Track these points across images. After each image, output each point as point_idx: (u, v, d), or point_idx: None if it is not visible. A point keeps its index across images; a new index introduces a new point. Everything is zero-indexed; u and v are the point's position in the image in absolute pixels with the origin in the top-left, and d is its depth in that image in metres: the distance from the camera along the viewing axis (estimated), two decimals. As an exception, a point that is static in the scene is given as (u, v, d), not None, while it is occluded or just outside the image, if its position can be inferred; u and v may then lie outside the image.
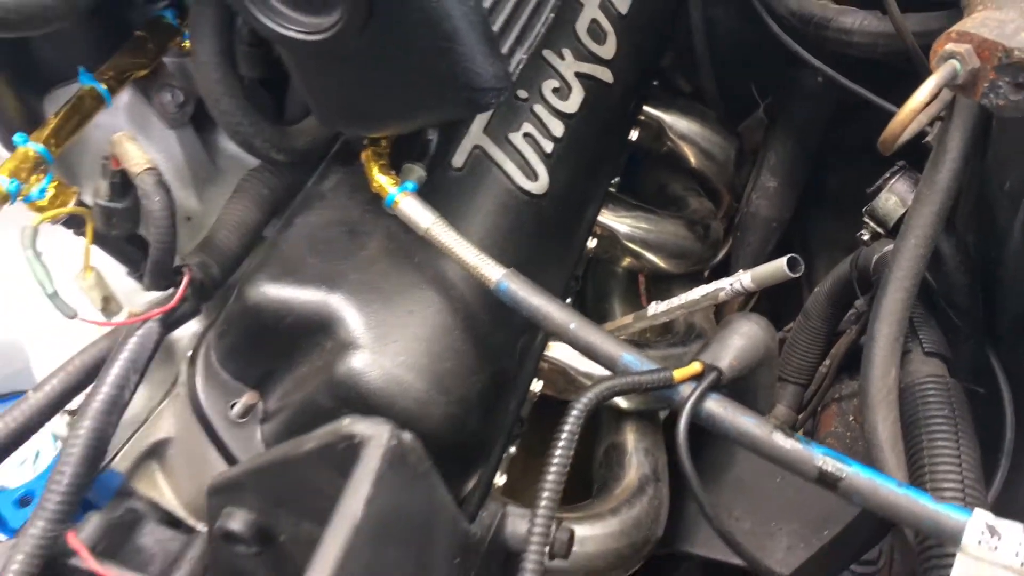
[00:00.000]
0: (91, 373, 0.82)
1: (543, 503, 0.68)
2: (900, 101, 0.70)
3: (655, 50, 1.29)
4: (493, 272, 0.79)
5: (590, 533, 1.03)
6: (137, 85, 0.99)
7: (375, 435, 0.49)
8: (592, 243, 1.20)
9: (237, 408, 0.84)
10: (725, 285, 0.97)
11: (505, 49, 0.72)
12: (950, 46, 0.67)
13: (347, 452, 0.50)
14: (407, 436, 0.51)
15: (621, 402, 1.16)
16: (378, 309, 0.79)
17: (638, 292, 1.44)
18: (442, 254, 0.81)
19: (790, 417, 1.34)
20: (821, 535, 1.13)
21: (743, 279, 0.95)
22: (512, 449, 1.00)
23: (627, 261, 1.32)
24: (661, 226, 1.31)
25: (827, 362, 1.32)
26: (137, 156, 0.81)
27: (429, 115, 0.78)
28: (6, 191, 0.82)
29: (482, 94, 0.71)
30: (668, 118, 1.41)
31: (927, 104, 0.67)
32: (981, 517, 0.65)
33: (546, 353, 1.04)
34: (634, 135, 1.31)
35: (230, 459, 0.85)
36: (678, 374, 0.73)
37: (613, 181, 1.26)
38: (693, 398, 0.72)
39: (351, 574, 0.46)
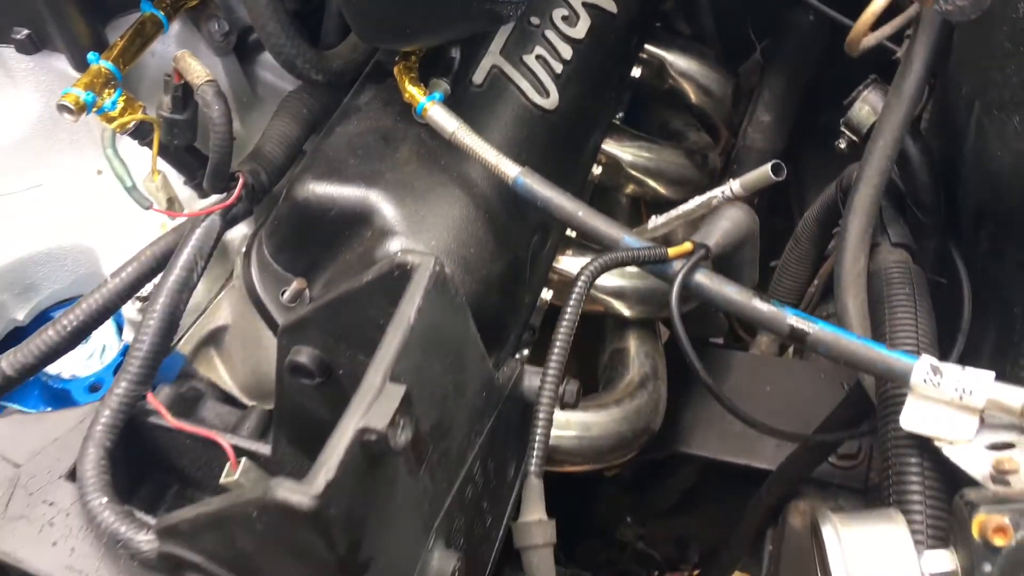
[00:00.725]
0: (161, 262, 0.94)
1: (554, 357, 0.80)
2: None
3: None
4: (511, 169, 0.90)
5: (596, 420, 1.15)
6: (188, 15, 1.11)
7: (423, 261, 0.61)
8: (597, 171, 1.31)
9: (288, 294, 0.96)
10: (717, 193, 1.08)
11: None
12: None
13: (400, 279, 0.61)
14: (448, 269, 0.63)
15: (624, 311, 1.28)
16: (411, 203, 0.91)
17: (641, 218, 1.55)
18: (465, 156, 0.93)
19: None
20: (803, 432, 1.24)
21: (733, 186, 1.06)
22: (525, 352, 1.12)
23: (630, 188, 1.42)
24: (662, 155, 1.42)
25: (816, 283, 1.44)
26: (199, 70, 0.93)
27: (456, 28, 0.90)
28: (84, 101, 0.93)
29: (504, 6, 0.83)
30: (669, 56, 1.51)
31: (884, 7, 0.78)
32: (926, 360, 0.76)
33: (555, 264, 1.16)
34: (637, 72, 1.41)
35: (280, 337, 0.97)
36: (672, 251, 0.85)
37: (618, 116, 1.37)
38: (684, 270, 0.84)
39: (404, 369, 0.58)
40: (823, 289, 1.43)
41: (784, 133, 1.62)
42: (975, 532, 0.64)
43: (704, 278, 0.84)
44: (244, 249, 1.01)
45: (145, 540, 0.74)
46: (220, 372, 1.06)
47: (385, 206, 0.90)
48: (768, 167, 1.01)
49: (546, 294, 1.15)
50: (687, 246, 0.85)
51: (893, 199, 1.04)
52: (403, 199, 0.91)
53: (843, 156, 1.26)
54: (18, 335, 1.15)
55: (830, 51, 1.59)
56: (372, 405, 0.53)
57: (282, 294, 0.97)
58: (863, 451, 1.29)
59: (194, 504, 0.60)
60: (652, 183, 1.42)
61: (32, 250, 1.11)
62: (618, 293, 1.19)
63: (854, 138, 1.05)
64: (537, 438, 0.76)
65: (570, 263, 1.17)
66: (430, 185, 0.93)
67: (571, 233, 1.15)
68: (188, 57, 0.93)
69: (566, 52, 1.10)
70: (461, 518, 0.70)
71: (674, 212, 1.16)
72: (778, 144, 1.62)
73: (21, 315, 1.14)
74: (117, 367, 1.13)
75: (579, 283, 0.81)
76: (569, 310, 0.80)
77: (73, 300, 1.13)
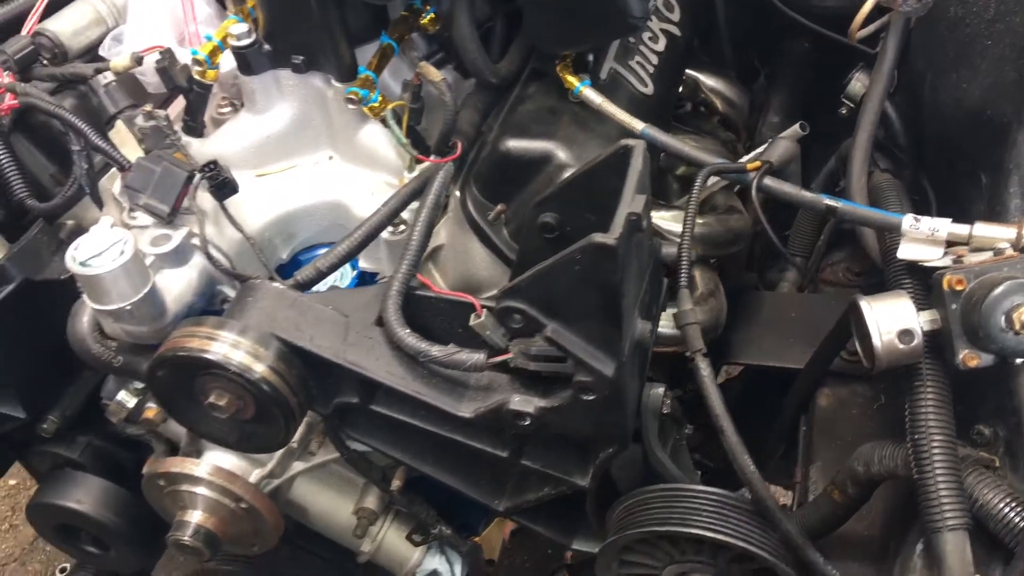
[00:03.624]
0: (412, 197, 1.45)
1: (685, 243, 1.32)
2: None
3: (698, 20, 1.94)
4: (638, 124, 1.43)
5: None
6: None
7: (637, 144, 1.12)
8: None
9: (492, 214, 1.47)
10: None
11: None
12: (880, -19, 1.32)
13: (623, 157, 1.12)
14: (647, 153, 1.14)
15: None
16: (576, 148, 1.43)
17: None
18: (606, 120, 1.45)
19: (798, 279, 1.98)
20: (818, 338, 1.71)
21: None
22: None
23: (681, 169, 1.95)
24: (706, 144, 1.95)
25: (822, 238, 1.96)
26: (436, 73, 1.45)
27: (605, 37, 1.43)
28: (361, 95, 1.46)
29: (636, 20, 1.36)
30: (701, 76, 2.05)
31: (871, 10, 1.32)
32: (910, 215, 1.28)
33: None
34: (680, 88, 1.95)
35: (490, 247, 1.48)
36: (749, 165, 1.37)
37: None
38: (759, 176, 1.36)
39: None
40: (827, 244, 1.96)
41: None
42: (944, 285, 1.15)
43: (770, 181, 1.37)
44: (457, 190, 1.52)
45: (435, 349, 1.25)
46: (436, 279, 1.56)
47: (561, 150, 1.42)
48: (797, 126, 1.55)
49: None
50: (758, 163, 1.38)
51: (879, 145, 1.57)
52: (571, 146, 1.43)
53: (837, 144, 1.79)
54: (281, 269, 1.64)
55: (819, 68, 2.14)
56: (631, 202, 1.04)
57: (488, 215, 1.48)
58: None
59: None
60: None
61: (293, 206, 1.61)
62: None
63: (851, 105, 1.59)
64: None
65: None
66: (586, 138, 1.45)
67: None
68: (427, 66, 1.46)
69: (653, 59, 1.63)
70: (647, 299, 1.21)
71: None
72: (788, 135, 2.15)
73: (284, 254, 1.64)
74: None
75: (697, 182, 1.33)
76: (691, 206, 1.32)
77: (320, 245, 1.64)
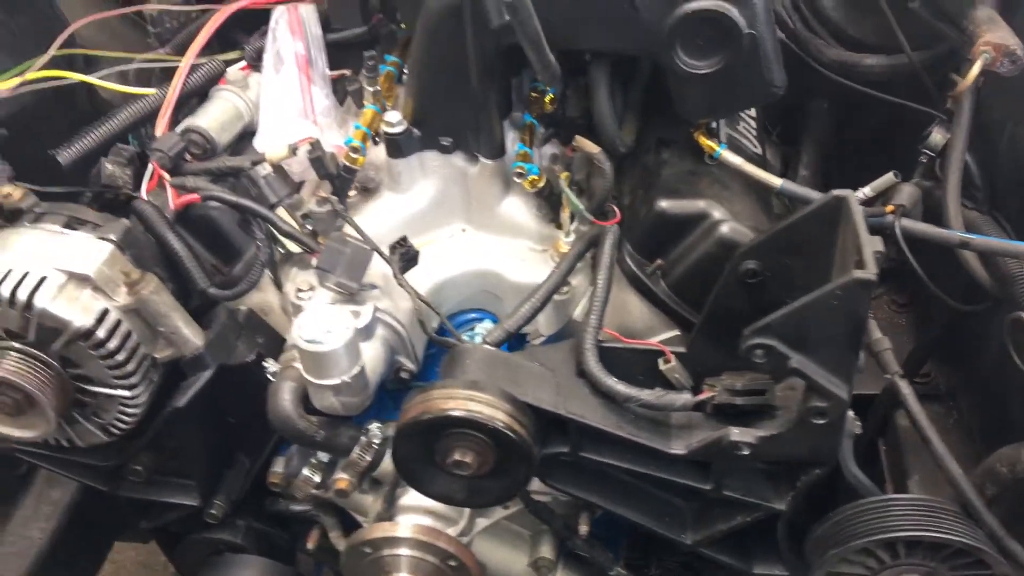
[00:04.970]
0: (578, 260, 1.58)
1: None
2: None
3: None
4: (775, 180, 1.60)
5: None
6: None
7: (848, 195, 1.28)
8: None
9: (651, 268, 1.61)
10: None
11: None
12: (982, 47, 1.54)
13: (834, 208, 1.28)
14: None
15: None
16: (726, 204, 1.58)
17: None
18: (739, 178, 1.62)
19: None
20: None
21: (865, 190, 1.78)
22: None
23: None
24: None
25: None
26: (592, 145, 1.60)
27: (748, 104, 1.60)
28: (527, 168, 1.59)
29: (778, 89, 1.54)
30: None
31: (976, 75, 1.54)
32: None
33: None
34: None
35: (648, 297, 1.61)
36: (887, 208, 1.56)
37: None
38: (899, 218, 1.55)
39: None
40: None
41: (819, 183, 2.38)
42: None
43: (907, 221, 1.56)
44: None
45: (645, 393, 1.38)
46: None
47: (715, 208, 1.57)
48: (891, 174, 1.75)
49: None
50: (891, 207, 1.57)
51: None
52: (720, 203, 1.58)
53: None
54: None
55: (840, 126, 2.38)
56: (871, 241, 1.20)
57: (645, 269, 1.62)
58: (932, 372, 2.00)
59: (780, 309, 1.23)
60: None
61: (443, 277, 1.71)
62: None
63: (932, 154, 1.81)
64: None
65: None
66: (729, 195, 1.61)
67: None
68: (583, 139, 1.61)
69: (752, 123, 1.83)
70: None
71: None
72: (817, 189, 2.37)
73: (435, 323, 1.73)
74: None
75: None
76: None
77: (464, 312, 1.75)
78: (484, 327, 1.76)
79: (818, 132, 2.38)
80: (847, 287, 1.18)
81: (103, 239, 1.44)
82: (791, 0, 2.11)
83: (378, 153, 1.71)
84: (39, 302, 1.35)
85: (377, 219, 1.72)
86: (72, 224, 1.46)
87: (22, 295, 1.35)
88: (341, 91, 1.88)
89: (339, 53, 1.91)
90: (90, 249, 1.41)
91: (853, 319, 1.21)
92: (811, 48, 2.10)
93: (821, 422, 1.30)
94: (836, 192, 1.32)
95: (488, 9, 1.45)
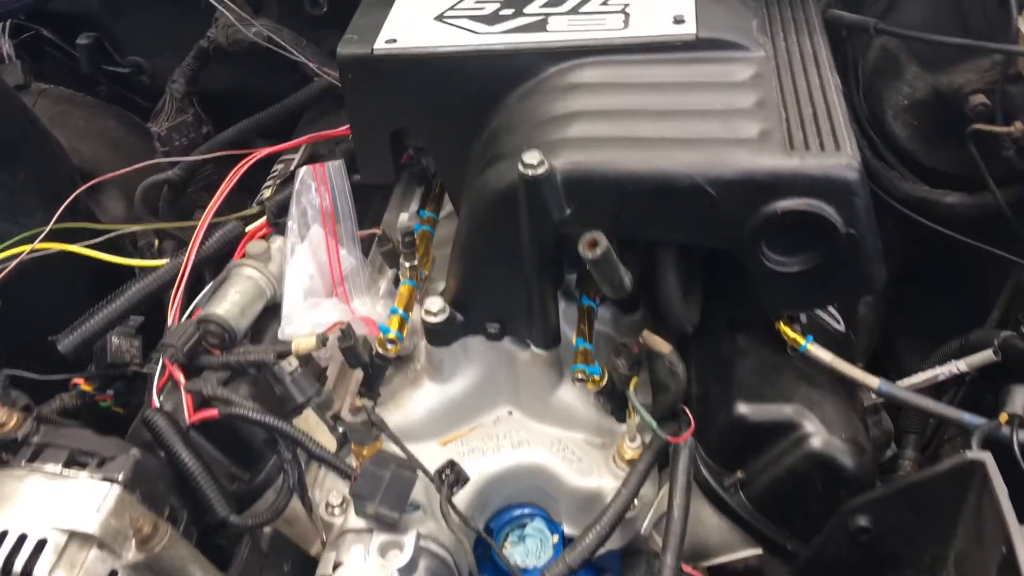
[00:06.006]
0: (648, 474, 1.39)
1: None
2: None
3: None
4: (873, 380, 1.41)
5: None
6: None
7: (986, 459, 1.09)
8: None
9: (729, 481, 1.42)
10: (944, 371, 1.60)
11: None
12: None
13: (966, 472, 1.09)
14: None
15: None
16: (817, 411, 1.39)
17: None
18: (836, 376, 1.42)
19: (918, 456, 2.00)
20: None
21: (959, 365, 1.59)
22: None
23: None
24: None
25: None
26: (664, 344, 1.40)
27: (843, 299, 1.41)
28: (588, 371, 1.40)
29: (877, 285, 1.34)
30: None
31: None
32: None
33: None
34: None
35: (725, 511, 1.42)
36: (1002, 418, 1.36)
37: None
38: (1014, 430, 1.36)
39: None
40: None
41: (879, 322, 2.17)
42: None
43: (1024, 435, 1.37)
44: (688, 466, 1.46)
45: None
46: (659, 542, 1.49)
47: (807, 419, 1.38)
48: (990, 351, 1.56)
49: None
50: (1005, 416, 1.38)
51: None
52: (811, 409, 1.39)
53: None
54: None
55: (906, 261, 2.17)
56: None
57: (723, 481, 1.43)
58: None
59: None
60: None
61: (489, 475, 1.53)
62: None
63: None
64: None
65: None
66: (819, 396, 1.42)
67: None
68: (652, 336, 1.41)
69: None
70: None
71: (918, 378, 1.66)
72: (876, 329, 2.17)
73: (480, 525, 1.54)
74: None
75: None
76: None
77: (511, 506, 1.56)
78: (536, 527, 1.58)
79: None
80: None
81: (108, 479, 1.25)
82: (859, 127, 1.93)
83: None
84: (38, 573, 1.16)
85: (412, 411, 1.54)
86: (74, 458, 1.27)
87: (19, 566, 1.16)
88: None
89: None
90: (94, 497, 1.22)
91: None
92: (883, 181, 1.92)
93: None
94: (971, 455, 1.12)
95: (550, 207, 1.28)
